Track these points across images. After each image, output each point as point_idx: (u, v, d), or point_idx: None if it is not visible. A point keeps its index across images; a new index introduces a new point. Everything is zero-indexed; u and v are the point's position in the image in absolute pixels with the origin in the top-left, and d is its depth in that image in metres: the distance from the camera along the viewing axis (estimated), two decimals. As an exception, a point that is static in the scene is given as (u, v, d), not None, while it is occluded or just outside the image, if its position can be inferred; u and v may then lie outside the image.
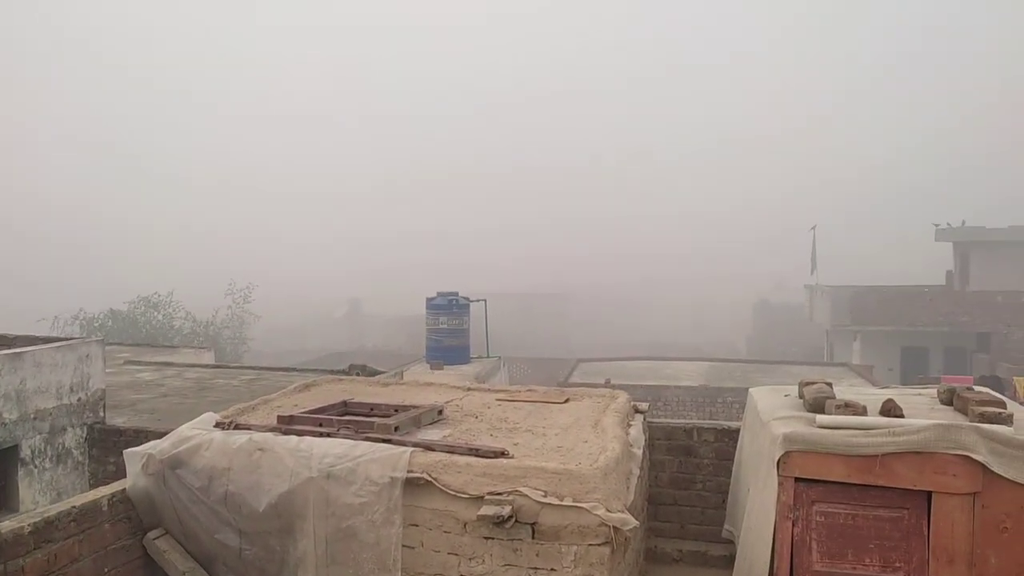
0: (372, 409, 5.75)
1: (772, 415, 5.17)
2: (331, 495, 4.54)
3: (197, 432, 5.03)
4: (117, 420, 9.88)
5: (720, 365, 26.20)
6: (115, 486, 4.94)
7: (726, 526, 6.30)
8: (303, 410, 5.56)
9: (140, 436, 8.59)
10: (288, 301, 68.96)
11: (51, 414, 8.81)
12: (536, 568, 4.26)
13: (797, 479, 4.72)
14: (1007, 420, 4.66)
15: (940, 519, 4.52)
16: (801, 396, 5.50)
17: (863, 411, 4.86)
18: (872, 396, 5.55)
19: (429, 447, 4.71)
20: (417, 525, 4.48)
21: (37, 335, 10.63)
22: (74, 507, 4.51)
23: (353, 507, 4.50)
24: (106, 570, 4.65)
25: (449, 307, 16.60)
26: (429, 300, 16.84)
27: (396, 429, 4.95)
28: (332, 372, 12.08)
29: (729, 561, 5.94)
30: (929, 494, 4.54)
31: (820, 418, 4.85)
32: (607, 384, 18.79)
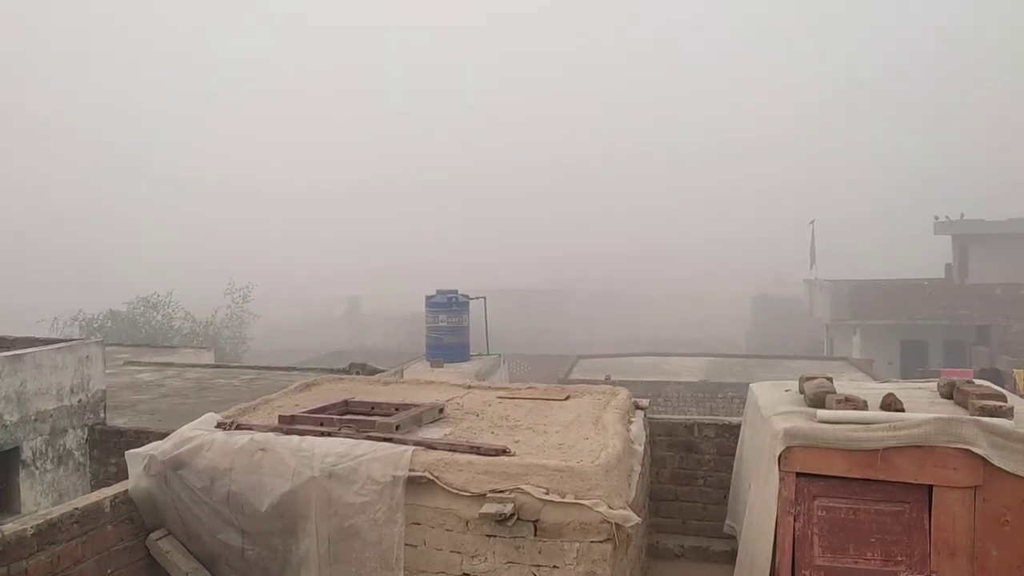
0: (373, 408, 5.75)
1: (773, 410, 5.18)
2: (333, 494, 4.54)
3: (198, 433, 5.03)
4: (118, 421, 9.89)
5: (720, 360, 26.23)
6: (117, 487, 4.94)
7: (728, 521, 6.31)
8: (304, 410, 5.56)
9: (141, 437, 8.59)
10: (288, 300, 68.99)
11: (52, 416, 8.82)
12: (539, 565, 4.27)
13: (798, 474, 4.73)
14: (1007, 413, 4.68)
15: (941, 513, 4.53)
16: (802, 391, 5.51)
17: (863, 405, 4.87)
18: (872, 390, 5.56)
19: (431, 445, 4.71)
20: (419, 523, 4.48)
21: (37, 337, 10.63)
22: (76, 509, 4.51)
23: (355, 506, 4.51)
24: (109, 571, 4.65)
25: (448, 305, 16.60)
26: (428, 298, 16.84)
27: (397, 428, 4.95)
28: (332, 371, 12.09)
29: (731, 556, 5.95)
30: (930, 488, 4.55)
31: (821, 413, 4.86)
32: (607, 380, 18.80)
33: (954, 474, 4.50)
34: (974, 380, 5.73)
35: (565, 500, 4.21)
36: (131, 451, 5.06)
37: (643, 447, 5.56)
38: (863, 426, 4.65)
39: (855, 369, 22.28)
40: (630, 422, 5.71)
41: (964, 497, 4.51)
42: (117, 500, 4.79)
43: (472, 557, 4.38)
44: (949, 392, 5.42)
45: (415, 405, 5.63)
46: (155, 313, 32.84)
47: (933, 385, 5.79)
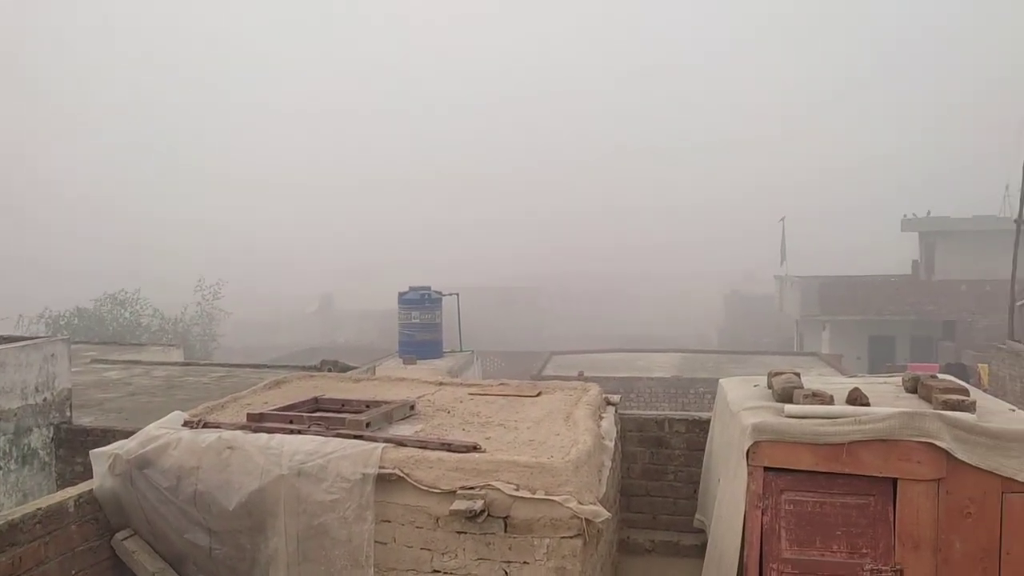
0: (343, 405, 5.73)
1: (742, 405, 5.22)
2: (302, 492, 4.51)
3: (165, 431, 4.97)
4: (84, 420, 9.73)
5: (692, 356, 26.43)
6: (82, 487, 4.87)
7: (697, 516, 6.36)
8: (273, 407, 5.52)
9: (108, 436, 8.46)
10: (260, 297, 68.37)
11: (16, 414, 8.65)
12: (509, 561, 4.27)
13: (766, 468, 4.78)
14: (970, 407, 4.76)
15: (905, 505, 4.60)
16: (770, 386, 5.57)
17: (830, 400, 4.93)
18: (839, 385, 5.63)
19: (401, 443, 4.70)
20: (389, 521, 4.47)
21: (1, 335, 10.42)
22: (39, 509, 4.43)
23: (324, 504, 4.48)
24: (73, 572, 4.58)
25: (421, 301, 16.57)
26: (401, 295, 16.79)
27: (367, 425, 4.92)
28: (303, 368, 11.99)
29: (701, 550, 6.00)
30: (895, 481, 4.62)
31: (788, 408, 4.92)
32: (580, 377, 18.87)
33: (918, 467, 4.57)
34: (938, 375, 5.83)
35: (535, 496, 4.22)
36: (96, 450, 4.99)
37: (614, 443, 5.59)
38: (829, 421, 4.71)
39: (824, 364, 22.58)
40: (601, 418, 5.74)
41: (928, 490, 4.59)
42: (81, 500, 4.72)
43: (442, 554, 4.37)
44: (913, 387, 5.51)
45: (386, 402, 5.60)
46: (123, 310, 32.36)
47: (898, 380, 5.87)
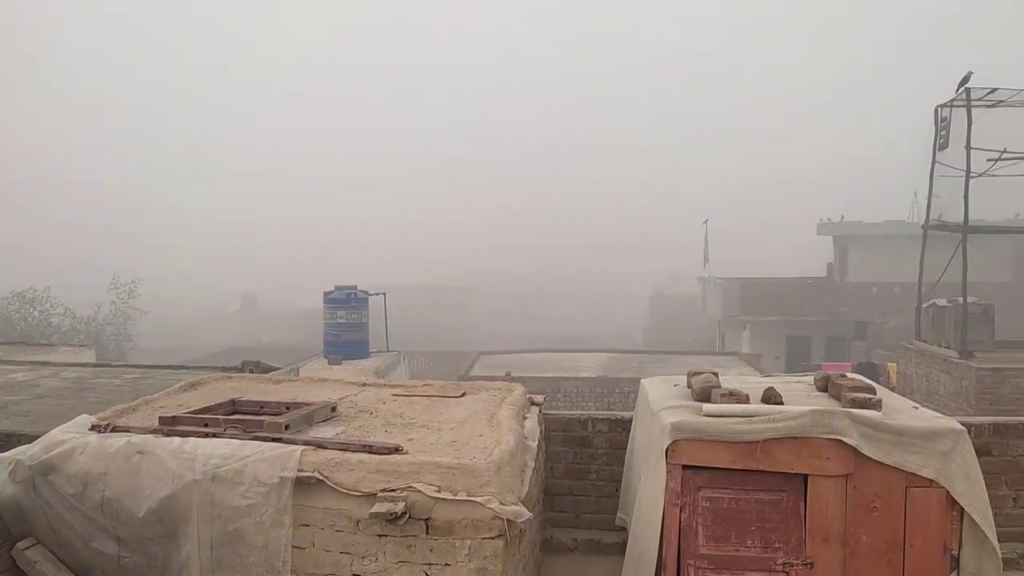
0: (262, 407, 5.59)
1: (661, 405, 5.32)
2: (217, 497, 4.38)
3: (71, 436, 4.76)
4: (-14, 424, 9.23)
5: (618, 356, 26.83)
6: (-21, 495, 4.62)
7: (619, 514, 6.45)
8: (188, 410, 5.34)
9: (12, 440, 8.05)
10: (179, 295, 66.30)
11: (-91, 419, 8.16)
12: (430, 563, 4.24)
13: (685, 466, 4.88)
14: (876, 405, 4.96)
15: (815, 500, 4.76)
16: (690, 386, 5.69)
17: (746, 399, 5.07)
18: (755, 384, 5.80)
19: (321, 445, 4.61)
20: (308, 525, 4.38)
21: None
22: (-69, 520, 4.18)
23: (240, 509, 4.36)
24: (-32, 586, 4.35)
25: (347, 301, 16.34)
26: (327, 294, 16.52)
27: (286, 427, 4.82)
28: (223, 369, 11.66)
29: (622, 548, 6.08)
30: (805, 477, 4.78)
31: (706, 407, 5.03)
32: (507, 377, 18.93)
33: (827, 463, 4.74)
34: (848, 374, 6.05)
35: (457, 497, 4.20)
36: (-6, 456, 4.73)
37: (537, 443, 5.61)
38: (745, 419, 4.84)
39: (744, 363, 23.23)
40: (525, 418, 5.75)
41: (836, 485, 4.76)
42: (-22, 509, 4.48)
43: (363, 558, 4.31)
44: (824, 386, 5.71)
45: (307, 404, 5.49)
46: (31, 309, 30.92)
47: (810, 379, 6.08)
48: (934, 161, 17.17)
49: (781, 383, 5.91)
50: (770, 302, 29.65)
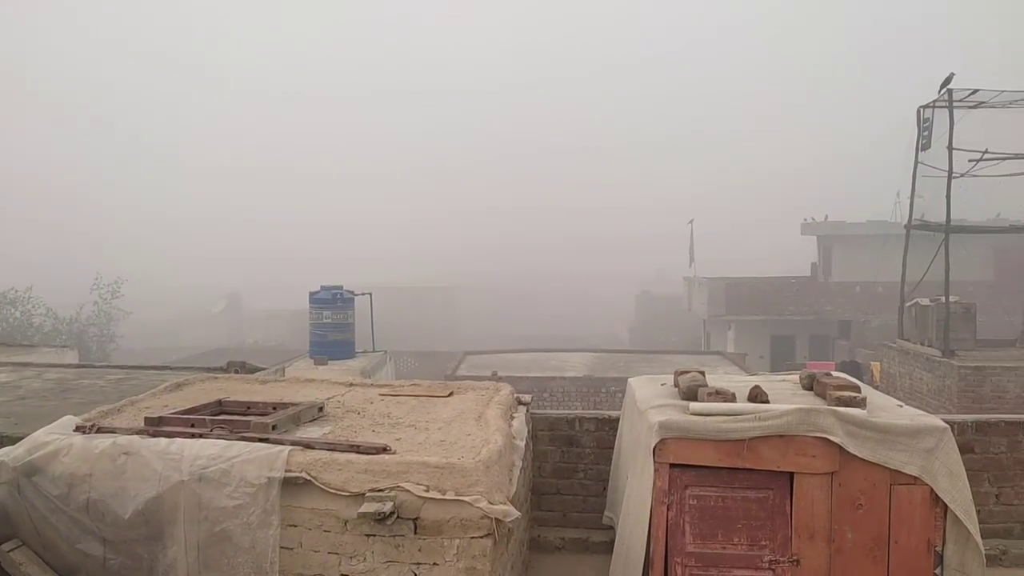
0: (249, 408, 5.57)
1: (649, 404, 5.34)
2: (203, 498, 4.36)
3: (55, 437, 4.72)
4: (-33, 426, 9.13)
5: (604, 356, 26.87)
6: (-38, 497, 4.57)
7: (606, 513, 6.47)
8: (174, 410, 5.31)
9: (-7, 442, 7.98)
10: (163, 296, 65.80)
11: None
12: (419, 563, 4.24)
13: (672, 465, 4.90)
14: (861, 403, 5.00)
15: (801, 498, 4.80)
16: (676, 385, 5.72)
17: (732, 398, 5.10)
18: (741, 383, 5.83)
19: (308, 445, 4.60)
20: (296, 525, 4.37)
21: None
22: (-88, 522, 4.14)
23: (227, 510, 4.34)
24: (-49, 589, 4.30)
25: (333, 301, 16.28)
26: (312, 294, 16.45)
27: (273, 428, 4.80)
28: (208, 370, 11.60)
29: (610, 547, 6.10)
30: (791, 475, 4.81)
31: (693, 406, 5.06)
32: (494, 376, 18.93)
33: (813, 461, 4.78)
34: (832, 372, 6.10)
35: (445, 497, 4.20)
36: (-22, 458, 4.68)
37: (525, 442, 5.62)
38: (731, 417, 4.86)
39: (729, 363, 23.33)
40: (512, 418, 5.76)
41: (822, 483, 4.79)
42: (-39, 511, 4.43)
43: (351, 557, 4.31)
44: (809, 384, 5.75)
45: (294, 404, 5.48)
46: (12, 309, 30.58)
47: (796, 377, 6.12)
48: (917, 161, 17.32)
49: (767, 382, 5.95)
50: (755, 301, 29.81)
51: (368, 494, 4.25)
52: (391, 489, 4.26)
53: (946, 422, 4.99)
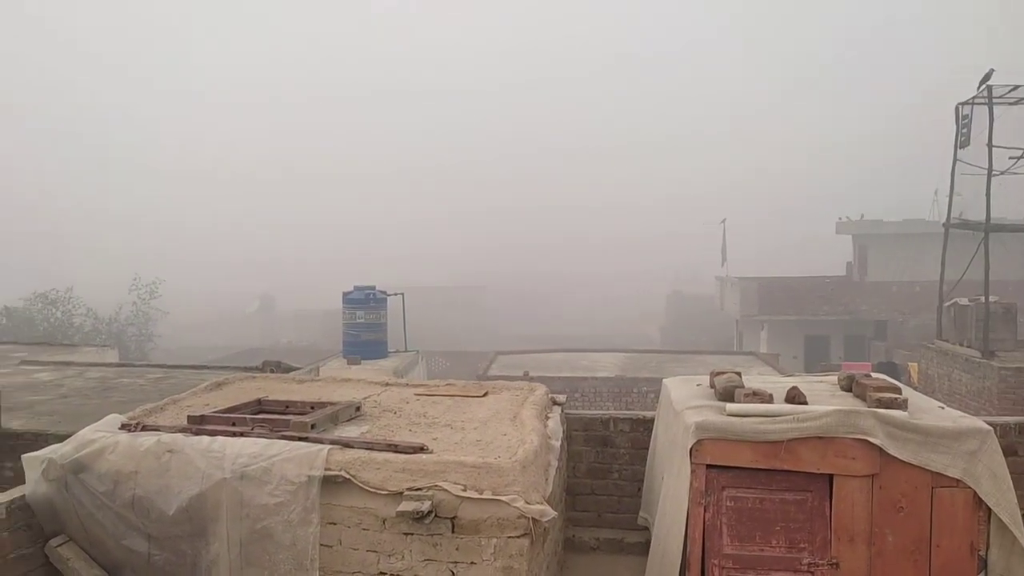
0: (287, 407, 5.65)
1: (685, 404, 5.32)
2: (245, 496, 4.44)
3: (101, 435, 4.83)
4: (14, 423, 9.36)
5: (635, 356, 26.75)
6: (13, 492, 4.70)
7: (641, 513, 6.46)
8: (215, 409, 5.41)
9: (40, 439, 8.17)
10: (198, 296, 66.80)
11: (-62, 419, 8.29)
12: (456, 562, 4.27)
13: (709, 466, 4.88)
14: (902, 405, 4.94)
15: (841, 500, 4.75)
16: (712, 385, 5.69)
17: (769, 399, 5.06)
18: (778, 384, 5.79)
19: (347, 444, 4.66)
20: (335, 523, 4.43)
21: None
22: (-33, 516, 4.26)
23: (268, 507, 4.41)
24: (3, 581, 4.42)
25: (366, 301, 16.43)
26: (345, 294, 16.61)
27: (312, 427, 4.87)
28: (245, 369, 11.77)
29: (645, 547, 6.09)
30: (831, 477, 4.76)
31: (730, 406, 5.03)
32: (525, 377, 18.94)
33: (853, 463, 4.73)
34: (871, 373, 6.03)
35: (482, 496, 4.23)
36: (28, 455, 4.81)
37: (560, 442, 5.63)
38: (769, 418, 4.83)
39: (762, 363, 23.10)
40: (547, 418, 5.78)
41: (862, 485, 4.74)
42: (13, 506, 4.56)
43: (389, 556, 4.35)
44: (848, 385, 5.69)
45: (331, 403, 5.55)
46: (54, 310, 31.27)
47: (834, 378, 6.05)
48: (955, 159, 17.00)
49: (804, 383, 5.89)
50: (788, 301, 29.47)
51: (406, 493, 4.30)
52: (429, 488, 4.30)
53: (988, 424, 4.91)
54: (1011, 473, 4.85)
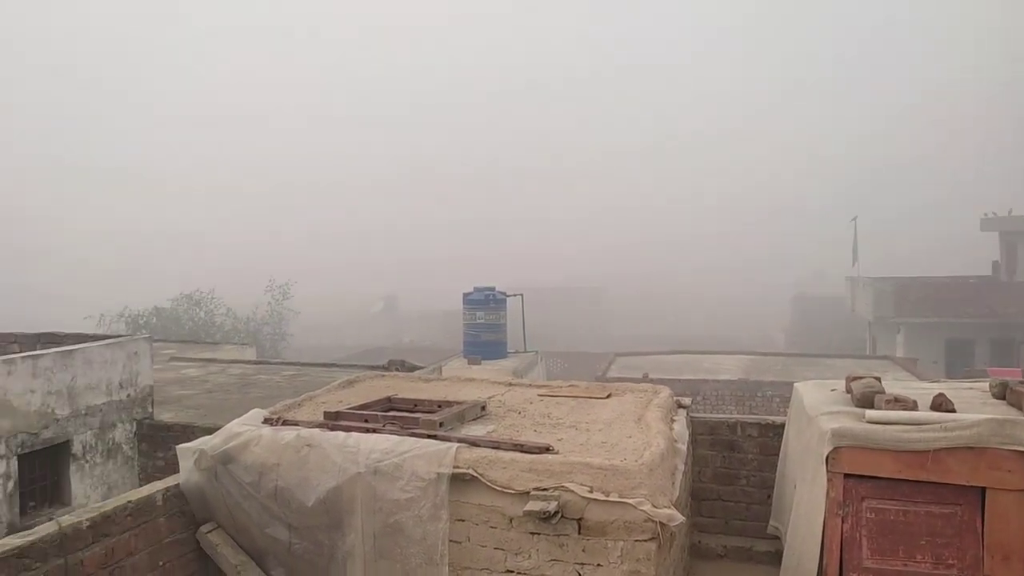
0: (416, 405, 5.80)
1: (819, 410, 5.11)
2: (378, 490, 4.59)
3: (246, 428, 5.11)
4: (165, 415, 10.09)
5: (759, 358, 25.90)
6: (169, 481, 5.04)
7: (771, 522, 6.24)
8: (348, 406, 5.63)
9: (188, 432, 8.75)
10: (324, 297, 69.73)
11: (101, 410, 9.03)
12: (582, 563, 4.27)
13: (846, 475, 4.66)
14: (1064, 415, 4.56)
15: (995, 515, 4.43)
16: (848, 391, 5.44)
17: (913, 406, 4.79)
18: (921, 390, 5.46)
19: (474, 443, 4.74)
20: (463, 520, 4.51)
21: (87, 333, 10.89)
22: (130, 502, 4.61)
23: (400, 503, 4.55)
24: (161, 563, 4.76)
25: (486, 302, 16.68)
26: (466, 295, 16.93)
27: (441, 425, 4.98)
28: (372, 368, 12.20)
29: (774, 557, 5.90)
30: (983, 490, 4.45)
31: (870, 413, 4.78)
32: (645, 378, 18.72)
33: (1008, 476, 4.40)
34: (1027, 380, 5.59)
35: (609, 499, 4.21)
36: (182, 446, 5.16)
37: (686, 446, 5.53)
38: (913, 427, 4.57)
39: (899, 368, 21.86)
40: (673, 421, 5.69)
41: (1019, 500, 4.40)
42: (169, 493, 4.89)
43: (516, 554, 4.40)
44: (1002, 393, 5.30)
45: (457, 402, 5.66)
46: (198, 310, 33.45)
47: (984, 385, 5.66)
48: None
49: (951, 389, 5.53)
50: (927, 303, 27.73)
51: (532, 492, 4.33)
52: (555, 489, 4.31)
53: None
54: None
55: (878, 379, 5.37)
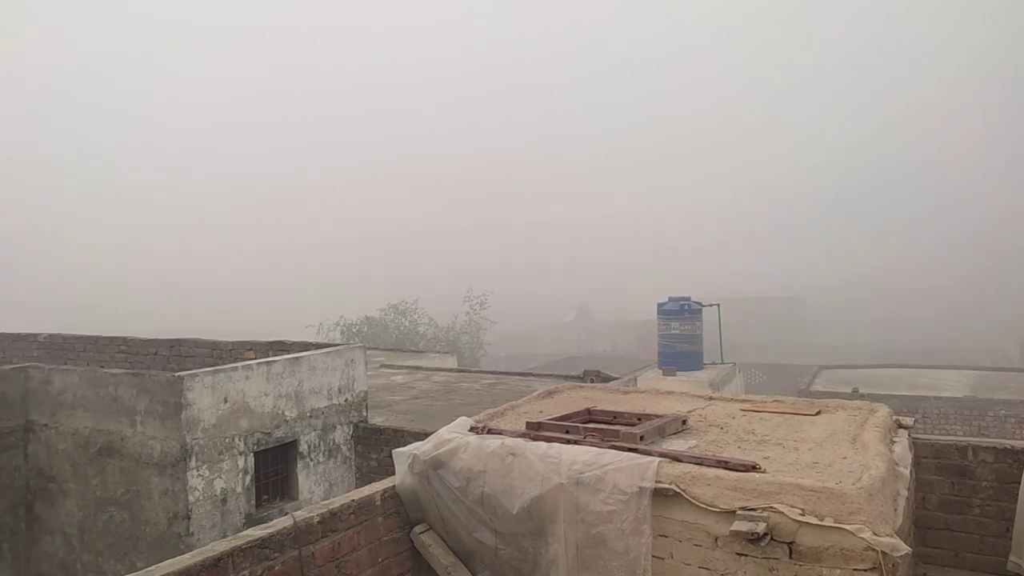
0: (615, 417, 5.81)
1: (1070, 436, 4.55)
2: (580, 501, 4.64)
3: (455, 435, 5.36)
4: (377, 419, 10.81)
5: (989, 374, 23.44)
6: (386, 483, 5.39)
7: (1012, 557, 5.62)
8: (548, 417, 5.74)
9: (398, 436, 9.34)
10: (517, 307, 71.55)
11: (323, 413, 9.83)
12: (794, 590, 4.07)
13: (1106, 511, 4.12)
14: None
15: None
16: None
17: None
18: None
19: (676, 458, 4.67)
20: (666, 536, 4.45)
21: (310, 341, 11.92)
22: (353, 500, 4.99)
23: (602, 515, 4.57)
24: (380, 560, 5.10)
25: (681, 312, 16.38)
26: (660, 305, 16.71)
27: (641, 439, 4.96)
28: (567, 377, 12.37)
29: (1016, 597, 5.31)
30: None
31: None
32: (854, 393, 17.55)
33: None
34: None
35: (823, 523, 3.99)
36: (397, 450, 5.49)
37: (908, 470, 5.12)
38: None
39: None
40: (892, 442, 5.29)
41: None
42: (386, 495, 5.24)
43: (722, 574, 4.28)
44: None
45: (657, 416, 5.60)
46: (403, 319, 35.55)
47: None
48: None
49: None
50: None
51: (739, 512, 4.19)
52: (763, 509, 4.15)
53: None
54: None
55: None
